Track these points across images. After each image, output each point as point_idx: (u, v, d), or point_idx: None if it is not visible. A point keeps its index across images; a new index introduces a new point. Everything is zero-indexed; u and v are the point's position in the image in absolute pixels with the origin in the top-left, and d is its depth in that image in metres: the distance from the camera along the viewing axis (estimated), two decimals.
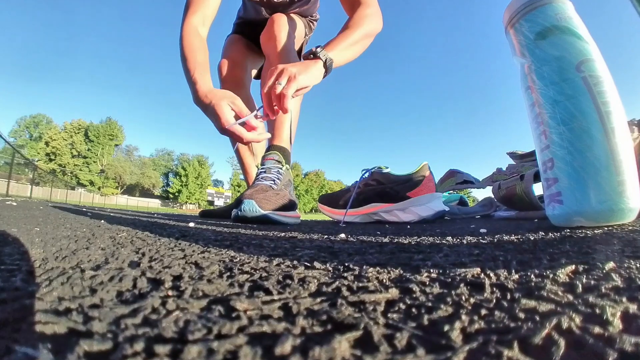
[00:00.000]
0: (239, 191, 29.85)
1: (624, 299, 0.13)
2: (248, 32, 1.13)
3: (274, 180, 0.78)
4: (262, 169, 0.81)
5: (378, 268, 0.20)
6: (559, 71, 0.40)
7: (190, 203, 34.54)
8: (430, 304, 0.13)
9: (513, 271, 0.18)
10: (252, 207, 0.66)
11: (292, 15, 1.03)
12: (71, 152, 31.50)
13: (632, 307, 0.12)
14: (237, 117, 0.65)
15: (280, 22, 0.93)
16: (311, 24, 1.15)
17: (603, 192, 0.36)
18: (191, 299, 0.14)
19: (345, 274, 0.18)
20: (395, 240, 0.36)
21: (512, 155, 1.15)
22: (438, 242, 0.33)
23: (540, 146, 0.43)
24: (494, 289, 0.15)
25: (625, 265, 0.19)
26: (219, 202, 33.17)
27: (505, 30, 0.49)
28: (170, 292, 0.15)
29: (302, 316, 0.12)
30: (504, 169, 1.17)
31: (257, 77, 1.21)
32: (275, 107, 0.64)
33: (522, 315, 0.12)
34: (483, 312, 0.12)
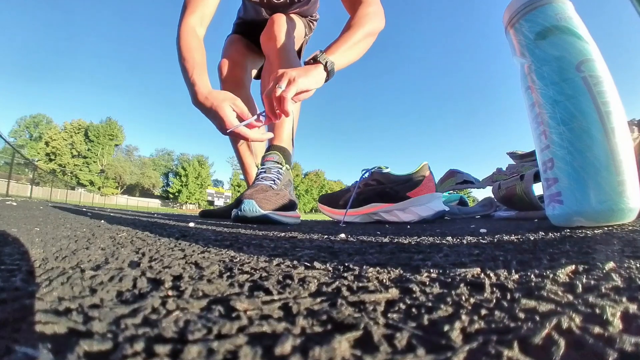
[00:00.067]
0: (239, 191, 29.86)
1: (624, 299, 0.13)
2: (248, 32, 1.13)
3: (274, 180, 0.78)
4: (262, 169, 0.81)
5: (378, 268, 0.20)
6: (559, 71, 0.40)
7: (190, 203, 34.54)
8: (430, 304, 0.13)
9: (513, 271, 0.18)
10: (252, 207, 0.66)
11: (292, 15, 1.03)
12: (71, 152, 31.50)
13: (632, 307, 0.12)
14: (239, 117, 0.66)
15: (280, 22, 0.93)
16: (311, 24, 1.15)
17: (603, 192, 0.36)
18: (191, 299, 0.14)
19: (345, 274, 0.18)
20: (395, 240, 0.36)
21: (512, 155, 1.15)
22: (438, 242, 0.33)
23: (540, 146, 0.43)
24: (494, 289, 0.15)
25: (625, 265, 0.19)
26: (219, 202, 33.17)
27: (505, 30, 0.49)
28: (170, 292, 0.15)
29: (302, 316, 0.12)
30: (504, 169, 1.17)
31: (257, 77, 1.21)
32: (277, 111, 0.65)
33: (522, 315, 0.12)
34: (483, 312, 0.12)
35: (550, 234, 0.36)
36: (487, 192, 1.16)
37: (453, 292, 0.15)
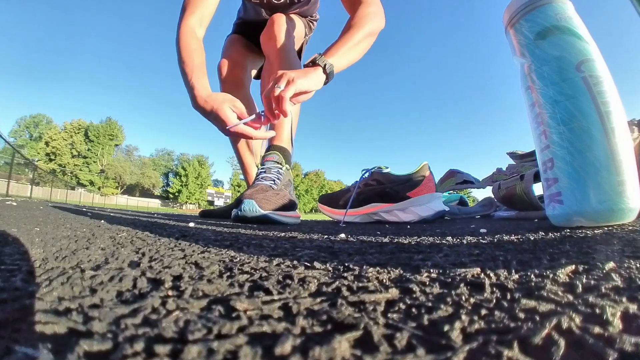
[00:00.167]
0: (239, 191, 29.85)
1: (624, 299, 0.13)
2: (248, 33, 1.13)
3: (274, 180, 0.79)
4: (262, 169, 0.81)
5: (378, 268, 0.20)
6: (559, 71, 0.40)
7: (190, 203, 34.54)
8: (430, 304, 0.13)
9: (513, 271, 0.18)
10: (252, 207, 0.66)
11: (292, 15, 1.03)
12: (71, 152, 31.50)
13: (632, 307, 0.12)
14: (239, 118, 0.66)
15: (280, 22, 0.93)
16: (311, 24, 1.15)
17: (603, 192, 0.36)
18: (191, 299, 0.14)
19: (345, 274, 0.18)
20: (395, 240, 0.36)
21: (512, 155, 1.15)
22: (438, 242, 0.33)
23: (540, 146, 0.43)
24: (494, 289, 0.15)
25: (625, 265, 0.19)
26: (219, 202, 33.17)
27: (505, 30, 0.49)
28: (170, 292, 0.15)
29: (302, 316, 0.12)
30: (504, 169, 1.17)
31: (257, 77, 1.21)
32: (276, 112, 0.65)
33: (522, 315, 0.12)
34: (483, 312, 0.12)
35: (550, 234, 0.36)
36: (487, 192, 1.16)
37: (453, 292, 0.15)
